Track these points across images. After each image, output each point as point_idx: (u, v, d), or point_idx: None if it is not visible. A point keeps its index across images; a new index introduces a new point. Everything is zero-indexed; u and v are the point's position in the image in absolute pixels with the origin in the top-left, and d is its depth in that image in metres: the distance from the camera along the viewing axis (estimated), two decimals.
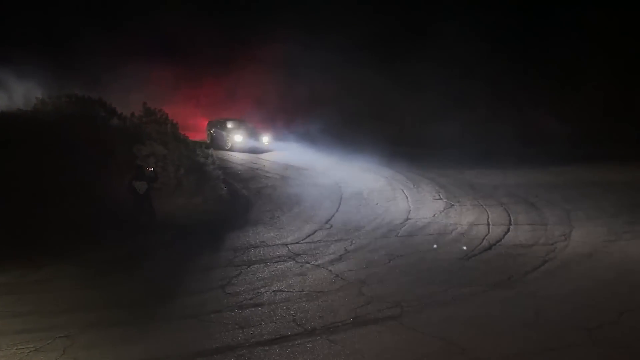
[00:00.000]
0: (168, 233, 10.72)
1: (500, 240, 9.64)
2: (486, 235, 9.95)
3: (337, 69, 24.43)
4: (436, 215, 11.82)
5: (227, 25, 26.74)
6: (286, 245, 9.82)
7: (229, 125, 22.53)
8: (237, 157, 19.99)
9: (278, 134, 22.88)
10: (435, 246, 9.46)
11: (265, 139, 22.08)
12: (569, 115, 23.40)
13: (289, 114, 23.59)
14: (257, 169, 18.07)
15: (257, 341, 5.59)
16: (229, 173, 15.68)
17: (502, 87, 24.31)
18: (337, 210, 12.58)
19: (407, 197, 13.80)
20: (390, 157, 18.73)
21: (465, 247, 9.25)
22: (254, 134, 22.10)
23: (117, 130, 13.24)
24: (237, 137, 21.77)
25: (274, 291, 7.32)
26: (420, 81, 23.64)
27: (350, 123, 23.23)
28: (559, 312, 6.20)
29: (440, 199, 13.53)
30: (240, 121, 23.04)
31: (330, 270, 8.21)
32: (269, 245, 9.85)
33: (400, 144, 22.63)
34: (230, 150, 21.49)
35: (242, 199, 13.93)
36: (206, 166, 13.35)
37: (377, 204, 13.27)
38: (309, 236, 10.44)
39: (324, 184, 15.27)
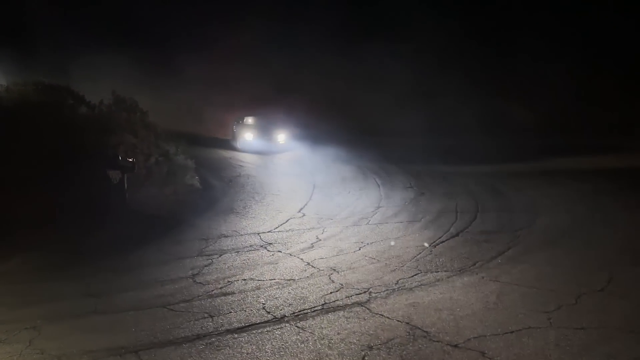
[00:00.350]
0: (139, 223, 10.64)
1: (467, 227, 9.87)
2: (454, 223, 10.18)
3: (304, 58, 24.27)
4: (407, 204, 12.01)
5: (199, 12, 26.30)
6: (258, 234, 9.87)
7: (249, 121, 20.21)
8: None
9: (296, 131, 20.57)
10: (404, 233, 9.64)
11: (281, 137, 19.55)
12: (540, 104, 23.92)
13: (259, 104, 23.07)
14: (230, 157, 18.02)
15: (227, 329, 5.64)
16: (201, 162, 15.57)
17: (472, 77, 24.63)
18: (309, 199, 12.67)
19: (379, 186, 13.98)
20: (361, 147, 18.91)
21: (433, 234, 9.45)
22: (266, 131, 19.59)
23: (86, 119, 12.99)
24: (246, 135, 19.52)
25: (244, 280, 7.38)
26: (389, 71, 23.77)
27: (320, 113, 23.05)
28: (520, 296, 6.42)
29: (411, 187, 13.74)
30: (264, 117, 20.46)
31: (302, 259, 8.30)
32: (241, 235, 9.89)
33: (371, 133, 22.81)
34: (237, 150, 19.42)
35: (214, 188, 13.88)
36: (177, 155, 13.24)
37: (349, 192, 13.41)
38: (281, 225, 10.51)
39: (296, 173, 15.33)
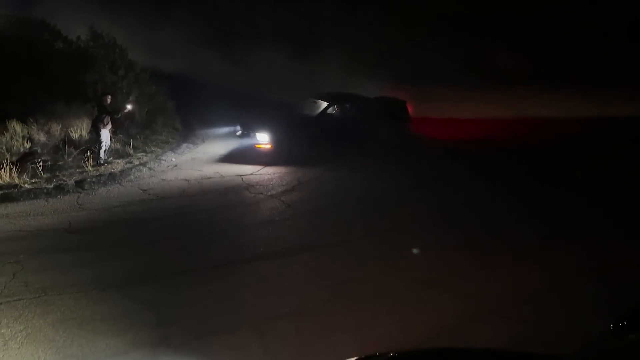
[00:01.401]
0: (119, 162, 10.62)
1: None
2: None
3: None
4: (388, 149, 12.12)
5: None
6: (240, 176, 9.94)
7: (323, 104, 12.15)
8: None
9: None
10: (383, 177, 9.78)
11: (263, 137, 11.28)
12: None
13: None
14: None
15: (207, 266, 5.81)
16: (184, 105, 15.33)
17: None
18: None
19: None
20: None
21: (413, 178, 9.64)
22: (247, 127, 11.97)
23: (62, 54, 12.61)
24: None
25: (226, 219, 7.53)
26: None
27: None
28: None
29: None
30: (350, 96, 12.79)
31: (283, 201, 8.44)
32: (223, 177, 9.95)
33: None
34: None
35: (197, 130, 13.80)
36: (158, 96, 13.02)
37: None
38: (263, 168, 10.57)
39: None
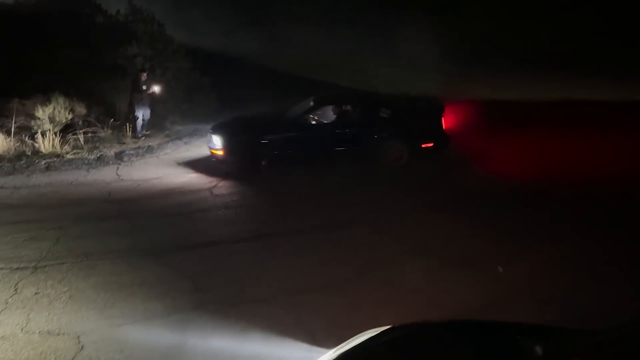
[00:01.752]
0: (157, 136, 10.86)
1: None
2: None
3: None
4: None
5: None
6: None
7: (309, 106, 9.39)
8: None
9: None
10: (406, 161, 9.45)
11: (217, 140, 8.76)
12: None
13: None
14: None
15: (240, 237, 5.94)
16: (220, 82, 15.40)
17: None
18: None
19: None
20: None
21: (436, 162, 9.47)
22: None
23: (102, 28, 12.86)
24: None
25: (258, 195, 7.66)
26: None
27: None
28: None
29: None
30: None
31: (309, 182, 8.42)
32: None
33: None
34: None
35: (234, 104, 13.89)
36: (195, 71, 13.15)
37: None
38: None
39: None
